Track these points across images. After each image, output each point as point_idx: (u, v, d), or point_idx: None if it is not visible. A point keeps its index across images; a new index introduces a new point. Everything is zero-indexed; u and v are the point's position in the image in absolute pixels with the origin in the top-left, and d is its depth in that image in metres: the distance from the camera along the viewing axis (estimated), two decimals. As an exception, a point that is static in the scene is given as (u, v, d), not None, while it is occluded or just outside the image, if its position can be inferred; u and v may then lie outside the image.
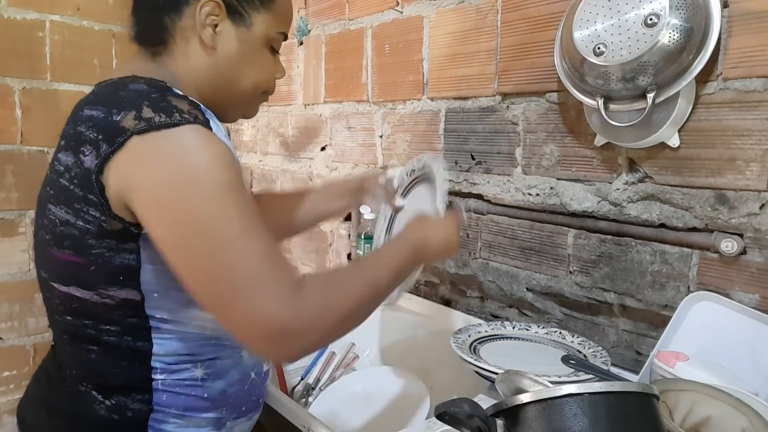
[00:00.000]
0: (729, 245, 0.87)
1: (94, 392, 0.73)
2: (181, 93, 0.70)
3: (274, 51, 0.83)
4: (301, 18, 1.76)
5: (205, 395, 0.76)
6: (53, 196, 0.70)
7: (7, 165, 1.68)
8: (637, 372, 0.95)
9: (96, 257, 0.68)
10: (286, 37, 0.84)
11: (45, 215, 0.71)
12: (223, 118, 0.78)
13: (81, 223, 0.67)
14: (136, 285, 0.69)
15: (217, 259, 0.63)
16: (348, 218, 1.66)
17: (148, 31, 0.78)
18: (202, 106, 0.70)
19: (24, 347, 1.78)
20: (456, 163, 1.31)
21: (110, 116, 0.66)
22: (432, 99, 1.36)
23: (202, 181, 0.64)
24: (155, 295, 0.71)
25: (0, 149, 1.67)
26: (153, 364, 0.73)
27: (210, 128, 0.67)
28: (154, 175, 0.64)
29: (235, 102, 0.81)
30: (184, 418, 0.75)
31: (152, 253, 0.68)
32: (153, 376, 0.73)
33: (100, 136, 0.65)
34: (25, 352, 1.78)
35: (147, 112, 0.65)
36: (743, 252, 0.87)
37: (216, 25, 0.76)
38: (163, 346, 0.73)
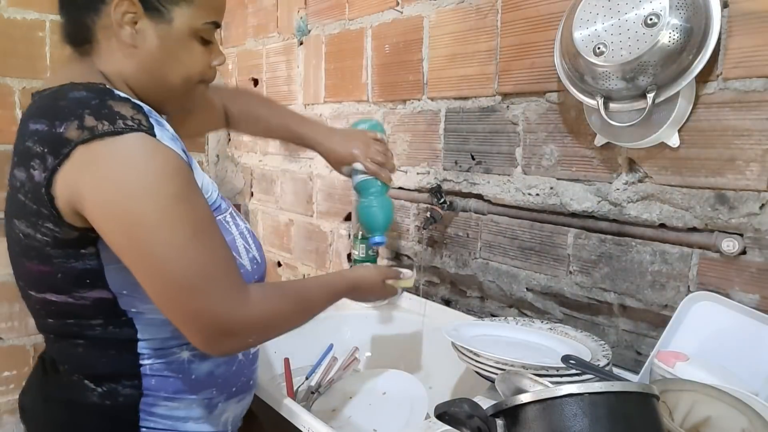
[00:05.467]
0: (730, 245, 0.87)
1: (86, 381, 0.76)
2: (122, 95, 0.70)
3: (206, 41, 0.79)
4: (301, 18, 1.76)
5: (193, 377, 0.79)
6: (15, 211, 0.72)
7: (7, 165, 1.68)
8: (637, 372, 0.95)
9: (59, 265, 0.70)
10: (218, 26, 0.80)
11: (12, 229, 0.74)
12: (160, 112, 0.76)
13: (39, 236, 0.70)
14: (104, 285, 0.72)
15: (168, 265, 0.67)
16: (348, 218, 1.66)
17: (73, 31, 0.77)
18: (145, 108, 0.70)
19: (24, 347, 1.78)
20: (456, 163, 1.31)
21: (53, 128, 0.66)
22: (432, 99, 1.36)
23: (149, 191, 0.66)
24: (124, 292, 0.73)
25: (0, 149, 1.67)
26: (140, 350, 0.76)
27: (155, 134, 0.67)
28: (101, 184, 0.65)
29: (168, 97, 0.79)
30: (174, 401, 0.78)
31: (113, 254, 0.69)
32: (141, 362, 0.76)
33: (45, 149, 0.66)
34: (25, 352, 1.78)
35: (89, 121, 0.65)
36: (743, 252, 0.87)
37: (135, 23, 0.73)
38: (146, 331, 0.75)
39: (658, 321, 0.98)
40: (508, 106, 1.19)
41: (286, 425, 0.88)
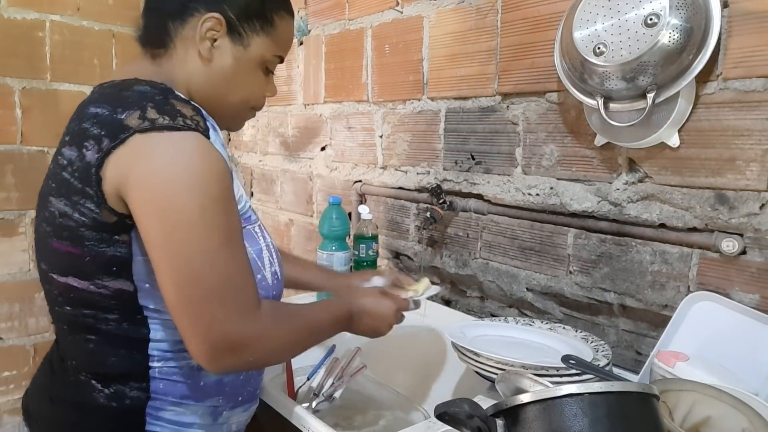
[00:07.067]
0: (730, 245, 0.87)
1: (93, 381, 0.76)
2: (183, 97, 0.73)
3: (269, 71, 0.87)
4: (301, 18, 1.76)
5: (201, 383, 0.78)
6: (54, 189, 0.73)
7: (7, 165, 1.68)
8: (637, 372, 0.95)
9: (90, 248, 0.71)
10: (282, 60, 0.88)
11: (46, 208, 0.74)
12: None
13: (77, 215, 0.70)
14: (128, 276, 0.72)
15: (195, 264, 0.67)
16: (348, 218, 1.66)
17: (152, 34, 0.81)
18: (204, 112, 0.73)
19: (24, 347, 1.78)
20: (456, 163, 1.31)
21: (115, 114, 0.69)
22: (432, 99, 1.36)
23: (196, 188, 0.67)
24: (146, 285, 0.73)
25: (0, 149, 1.67)
26: (150, 351, 0.75)
27: (209, 137, 0.70)
28: (152, 173, 0.67)
29: (222, 113, 0.83)
30: (181, 406, 0.77)
31: (143, 245, 0.70)
32: (150, 364, 0.75)
33: (103, 132, 0.69)
34: (25, 352, 1.78)
35: (151, 113, 0.68)
36: (743, 252, 0.87)
37: (215, 40, 0.79)
38: (159, 332, 0.75)
39: (658, 321, 0.98)
40: (508, 106, 1.19)
41: (287, 425, 0.88)
